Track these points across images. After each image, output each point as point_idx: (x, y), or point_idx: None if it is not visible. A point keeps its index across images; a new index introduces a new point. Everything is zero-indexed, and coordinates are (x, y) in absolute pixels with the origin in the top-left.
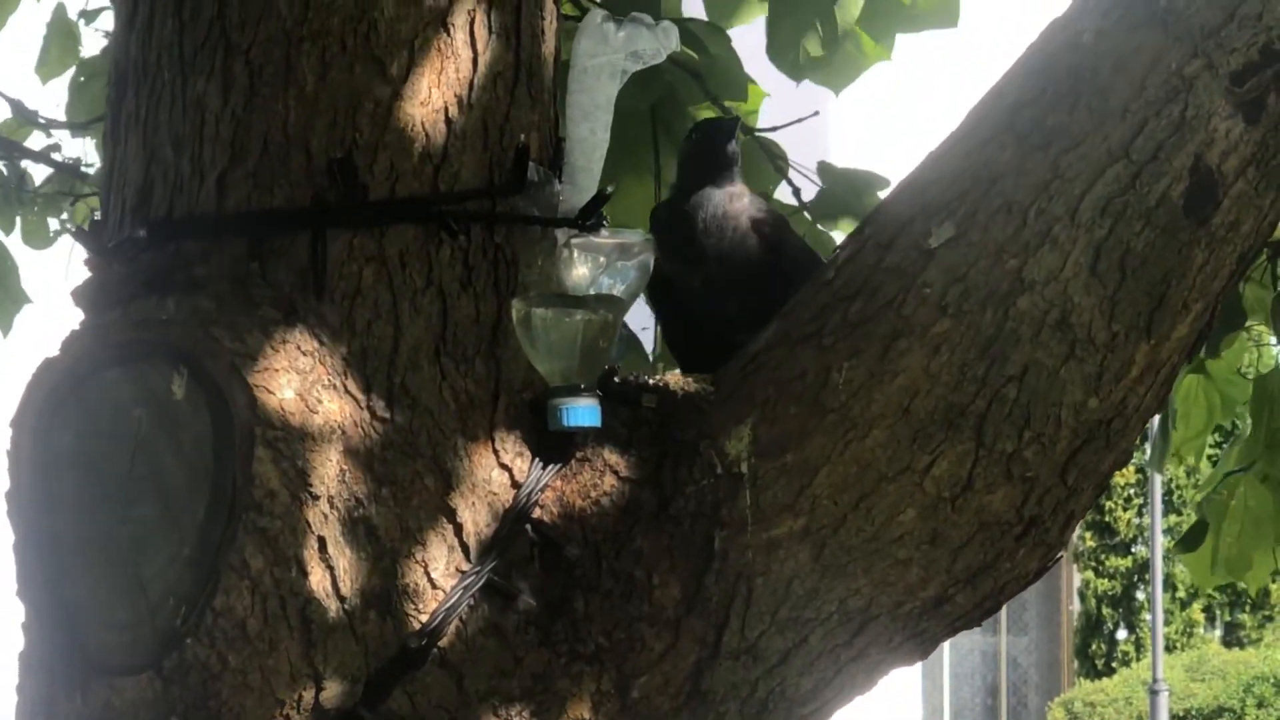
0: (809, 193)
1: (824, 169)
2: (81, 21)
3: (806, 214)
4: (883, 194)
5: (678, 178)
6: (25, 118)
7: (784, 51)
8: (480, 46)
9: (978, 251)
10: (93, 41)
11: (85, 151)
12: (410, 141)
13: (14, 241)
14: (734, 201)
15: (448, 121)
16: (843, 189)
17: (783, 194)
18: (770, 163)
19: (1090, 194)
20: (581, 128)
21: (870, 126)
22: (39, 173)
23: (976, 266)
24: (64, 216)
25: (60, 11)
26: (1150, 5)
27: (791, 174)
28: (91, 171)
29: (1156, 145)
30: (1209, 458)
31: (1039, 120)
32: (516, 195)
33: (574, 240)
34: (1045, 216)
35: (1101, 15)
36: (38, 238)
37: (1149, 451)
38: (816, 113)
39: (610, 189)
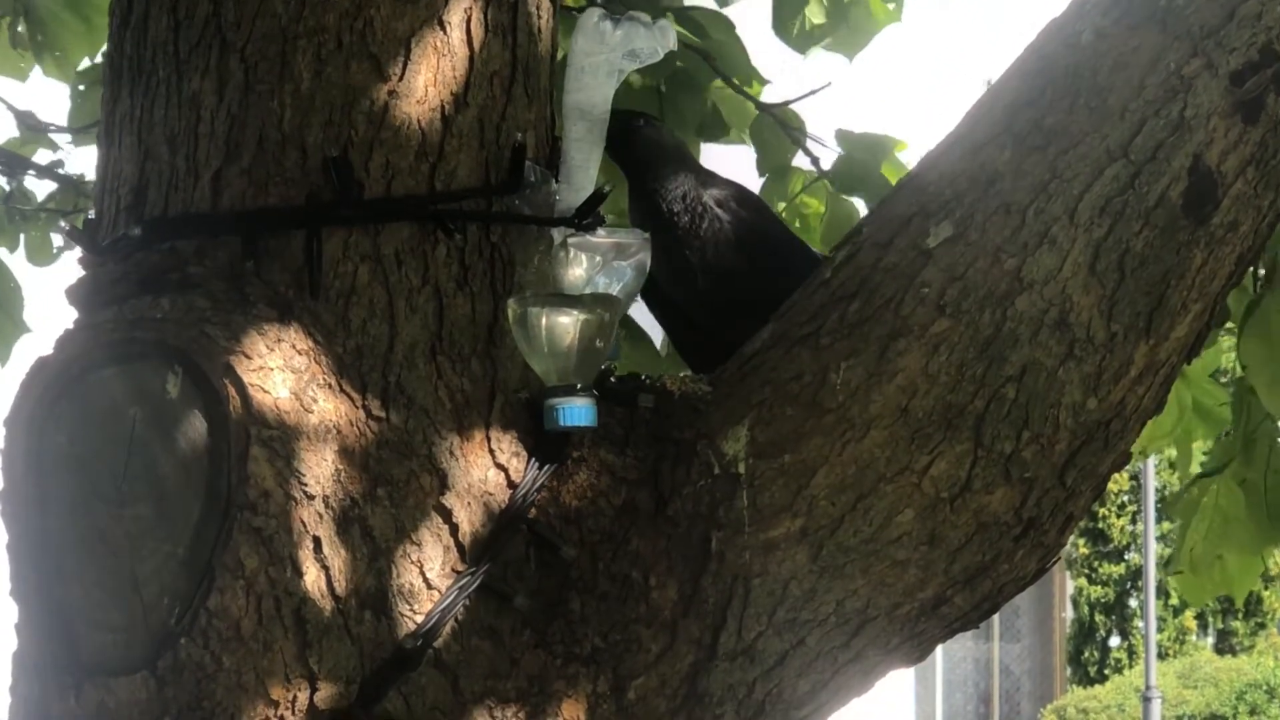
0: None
1: (841, 135)
2: None
3: (827, 182)
4: (900, 155)
5: (639, 176)
6: (32, 129)
7: (788, 23)
8: (476, 44)
9: (976, 251)
10: None
11: (89, 167)
12: (406, 139)
13: (18, 259)
14: (685, 181)
15: (444, 120)
16: (861, 153)
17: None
18: (787, 134)
19: (1089, 194)
20: (578, 126)
21: (883, 96)
22: (42, 190)
23: (975, 266)
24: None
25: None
26: (1149, 5)
27: (809, 144)
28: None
29: (1155, 145)
30: (1201, 464)
31: (1037, 121)
32: (513, 194)
33: (570, 239)
34: (1044, 216)
35: (1100, 15)
36: (41, 255)
37: (1148, 464)
38: (829, 84)
39: (607, 188)
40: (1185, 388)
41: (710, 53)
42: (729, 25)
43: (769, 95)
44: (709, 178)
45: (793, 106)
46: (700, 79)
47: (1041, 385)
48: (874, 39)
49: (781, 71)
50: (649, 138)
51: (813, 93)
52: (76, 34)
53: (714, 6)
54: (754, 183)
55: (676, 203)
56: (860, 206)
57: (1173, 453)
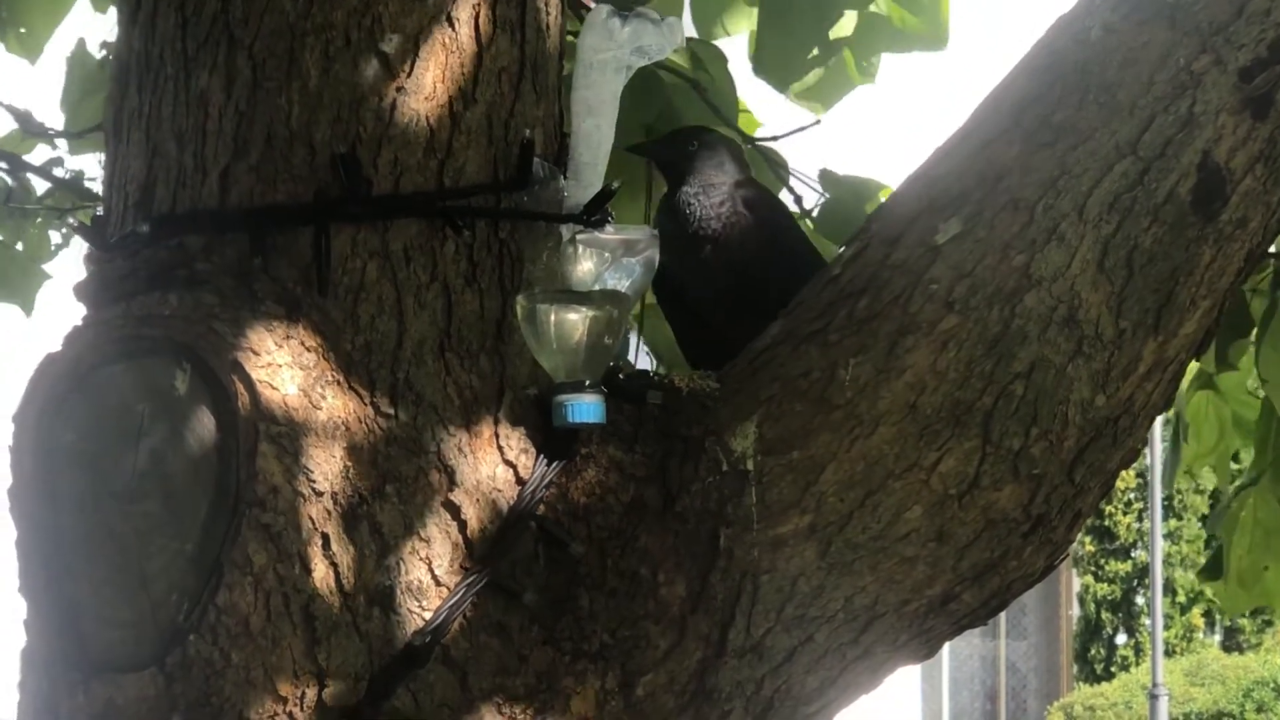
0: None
1: (826, 176)
2: (104, 53)
3: (809, 222)
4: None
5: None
6: (32, 130)
7: (772, 68)
8: (485, 41)
9: (984, 248)
10: None
11: (87, 167)
12: (414, 136)
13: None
14: (724, 187)
15: (452, 116)
16: (847, 195)
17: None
18: (772, 171)
19: (1098, 190)
20: (586, 123)
21: (871, 134)
22: (40, 187)
23: (983, 263)
24: (65, 231)
25: (81, 50)
26: (1158, 1)
27: (794, 183)
28: (94, 186)
29: (1164, 141)
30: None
31: (1046, 117)
32: (521, 191)
33: (579, 236)
34: (1052, 213)
35: (1109, 11)
36: (40, 251)
37: (1155, 461)
38: (819, 121)
39: (616, 184)
40: (1223, 403)
41: (701, 83)
42: (722, 59)
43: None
44: (743, 181)
45: (777, 144)
46: (688, 114)
47: (1050, 382)
48: (848, 94)
49: (766, 111)
50: (700, 153)
51: (801, 129)
52: (42, 10)
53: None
54: None
55: (712, 208)
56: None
57: None
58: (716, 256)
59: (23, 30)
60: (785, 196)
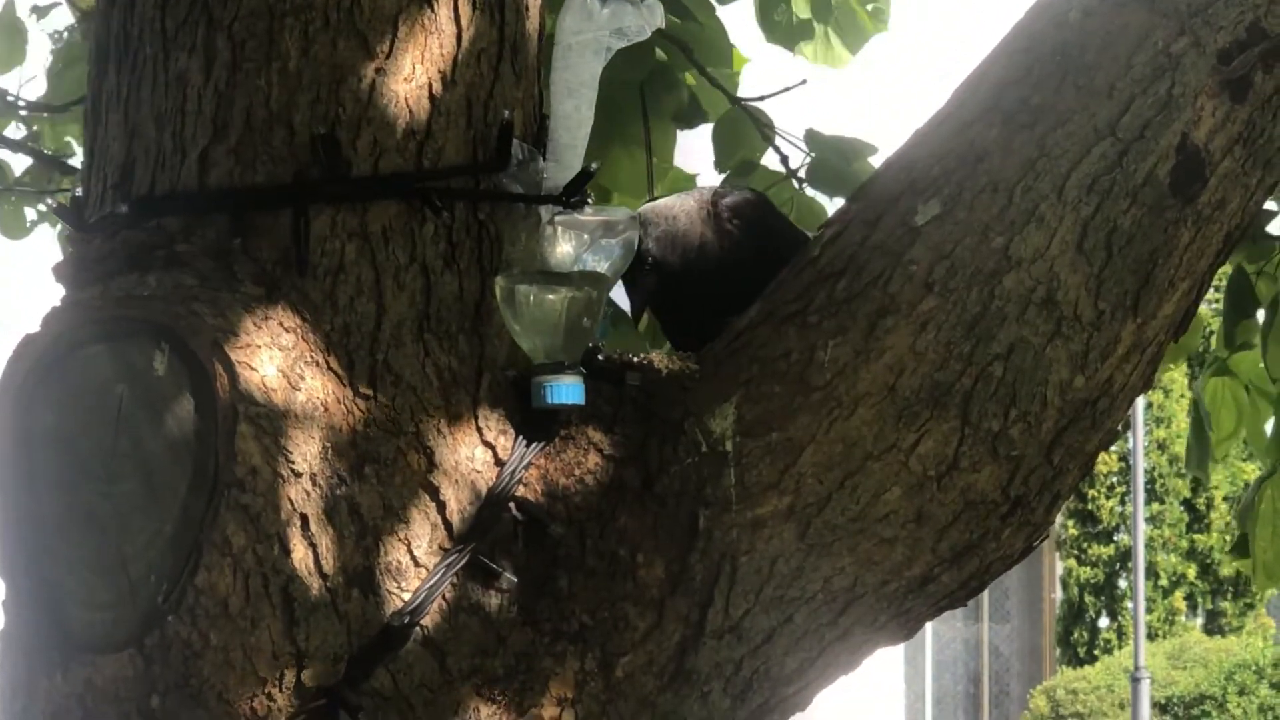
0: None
1: (812, 137)
2: (33, 18)
3: (794, 182)
4: (872, 160)
5: None
6: (9, 107)
7: (779, 27)
8: (464, 22)
9: (964, 229)
10: (41, 40)
11: (66, 142)
12: (394, 117)
13: None
14: (691, 203)
15: (431, 98)
16: (833, 156)
17: (770, 162)
18: (757, 130)
19: (1077, 172)
20: (566, 104)
21: (858, 95)
22: (17, 163)
23: (963, 244)
24: (41, 207)
25: (9, 10)
26: None
27: (780, 143)
28: (73, 161)
29: (1143, 123)
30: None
31: (1025, 99)
32: (500, 172)
33: (558, 217)
34: (1031, 194)
35: None
36: (15, 227)
37: (1137, 445)
38: (804, 81)
39: (595, 166)
40: (1238, 386)
41: (688, 42)
42: (711, 9)
43: (747, 87)
44: (721, 191)
45: (763, 105)
46: (678, 72)
47: (1029, 363)
48: (863, 49)
49: (752, 70)
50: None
51: (787, 89)
52: None
53: None
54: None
55: (694, 231)
56: (829, 208)
57: (1162, 434)
58: (711, 269)
59: None
60: (770, 156)
